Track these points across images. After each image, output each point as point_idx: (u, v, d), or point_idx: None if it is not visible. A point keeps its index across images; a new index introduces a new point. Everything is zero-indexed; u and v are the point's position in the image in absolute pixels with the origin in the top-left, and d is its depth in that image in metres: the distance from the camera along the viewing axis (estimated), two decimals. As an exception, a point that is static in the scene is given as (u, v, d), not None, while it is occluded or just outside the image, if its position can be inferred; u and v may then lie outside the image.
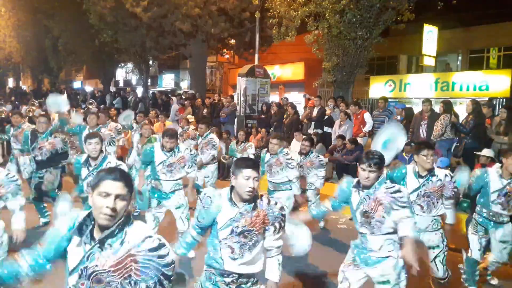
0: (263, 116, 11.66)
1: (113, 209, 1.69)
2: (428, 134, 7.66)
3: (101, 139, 4.28)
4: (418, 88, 12.85)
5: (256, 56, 13.60)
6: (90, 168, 4.26)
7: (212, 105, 13.77)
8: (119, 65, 24.32)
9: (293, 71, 18.07)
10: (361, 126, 8.62)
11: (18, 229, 3.35)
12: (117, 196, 1.71)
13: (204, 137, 7.18)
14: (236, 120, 12.53)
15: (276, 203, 2.55)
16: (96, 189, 1.73)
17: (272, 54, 17.95)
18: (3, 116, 11.04)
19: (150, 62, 20.94)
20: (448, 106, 7.53)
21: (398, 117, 8.53)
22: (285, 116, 10.56)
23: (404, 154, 7.48)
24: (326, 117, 9.65)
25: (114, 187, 1.72)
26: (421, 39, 15.11)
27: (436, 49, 15.51)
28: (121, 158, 9.82)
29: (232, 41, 18.18)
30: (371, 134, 8.71)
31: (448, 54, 18.54)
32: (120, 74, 28.61)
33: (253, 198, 2.51)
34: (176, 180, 4.92)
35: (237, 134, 11.73)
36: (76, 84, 31.82)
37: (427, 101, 7.99)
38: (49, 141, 5.90)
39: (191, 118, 11.74)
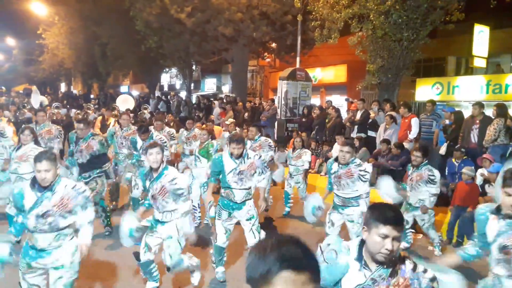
0: (304, 120, 11.56)
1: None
2: (479, 139, 7.27)
3: (162, 149, 4.00)
4: (468, 91, 12.28)
5: (298, 59, 13.53)
6: (151, 179, 3.99)
7: (253, 108, 13.84)
8: (164, 70, 24.99)
9: (335, 73, 17.81)
10: (408, 131, 8.31)
11: (83, 243, 3.23)
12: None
13: (256, 140, 7.14)
14: (276, 123, 12.50)
15: (425, 271, 1.91)
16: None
17: (313, 57, 17.78)
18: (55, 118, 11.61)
19: (193, 67, 21.38)
20: (502, 110, 7.11)
21: (447, 121, 8.15)
22: (327, 119, 10.41)
23: (454, 160, 7.15)
24: (370, 120, 9.41)
25: None
26: (471, 40, 14.42)
27: (487, 50, 14.77)
28: (172, 164, 10.11)
29: (274, 45, 18.20)
30: (418, 139, 8.40)
31: (500, 55, 17.59)
32: (165, 79, 29.38)
33: (392, 261, 1.89)
34: (247, 189, 4.61)
35: (276, 137, 11.75)
36: (123, 89, 33.00)
37: (477, 104, 7.59)
38: (87, 142, 5.88)
39: (231, 121, 11.84)
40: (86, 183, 5.64)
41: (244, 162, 4.51)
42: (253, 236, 4.58)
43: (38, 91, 16.03)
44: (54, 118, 11.93)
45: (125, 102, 14.73)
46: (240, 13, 14.26)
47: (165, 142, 6.57)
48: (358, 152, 8.77)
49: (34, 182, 3.05)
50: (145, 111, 14.78)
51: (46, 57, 30.82)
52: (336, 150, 9.05)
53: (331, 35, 10.68)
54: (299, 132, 10.81)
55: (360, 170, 4.83)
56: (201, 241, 5.30)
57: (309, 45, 15.39)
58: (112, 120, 10.09)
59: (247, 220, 4.58)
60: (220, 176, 4.59)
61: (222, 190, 4.61)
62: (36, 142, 5.65)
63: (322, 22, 10.90)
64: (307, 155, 7.51)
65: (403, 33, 9.84)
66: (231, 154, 4.50)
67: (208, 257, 5.02)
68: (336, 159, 4.93)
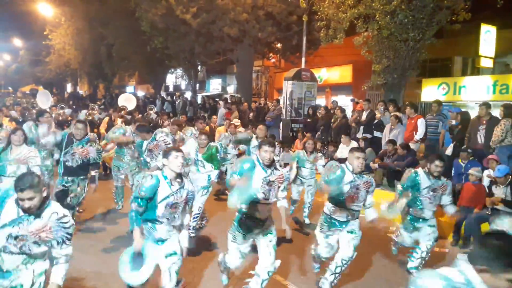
0: (309, 120, 11.55)
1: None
2: (486, 140, 7.22)
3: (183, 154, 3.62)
4: (474, 91, 12.20)
5: (303, 59, 13.52)
6: (174, 188, 3.50)
7: (258, 109, 13.84)
8: (169, 71, 25.06)
9: (341, 74, 17.76)
10: (414, 131, 8.27)
11: (54, 283, 2.87)
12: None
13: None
14: (281, 124, 12.50)
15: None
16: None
17: (319, 57, 17.75)
18: (60, 118, 11.63)
19: (199, 68, 21.42)
20: (509, 110, 7.06)
21: (453, 122, 8.11)
22: (333, 120, 10.39)
23: (460, 161, 7.12)
24: (376, 121, 9.38)
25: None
26: (477, 40, 14.33)
27: (494, 50, 14.67)
28: None
29: (279, 45, 18.19)
30: (424, 140, 8.36)
31: (508, 55, 17.46)
32: (170, 79, 29.47)
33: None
34: (271, 204, 4.01)
35: (281, 137, 11.73)
36: (129, 89, 33.12)
37: (484, 104, 7.54)
38: (84, 148, 5.50)
39: (237, 122, 11.84)
40: (67, 186, 5.47)
41: (274, 173, 3.94)
42: (269, 256, 4.03)
43: (48, 92, 16.03)
44: (60, 118, 11.92)
45: (127, 101, 14.75)
46: (246, 13, 14.26)
47: (169, 143, 6.30)
48: (363, 152, 8.75)
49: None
50: (151, 112, 14.82)
51: (52, 57, 31.02)
52: (342, 150, 9.04)
53: (336, 35, 10.67)
54: (305, 132, 10.80)
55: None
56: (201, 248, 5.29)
57: (314, 45, 15.37)
58: (119, 121, 10.08)
59: (265, 235, 4.09)
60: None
61: (244, 205, 3.98)
62: (26, 143, 5.25)
63: (328, 22, 10.89)
64: (322, 159, 7.30)
65: (409, 33, 9.80)
66: (260, 160, 3.91)
67: (207, 262, 4.96)
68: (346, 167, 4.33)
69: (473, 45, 14.68)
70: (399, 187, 4.95)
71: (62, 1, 25.29)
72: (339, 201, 4.26)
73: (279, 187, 3.96)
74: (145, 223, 3.50)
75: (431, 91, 13.01)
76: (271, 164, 3.91)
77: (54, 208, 2.84)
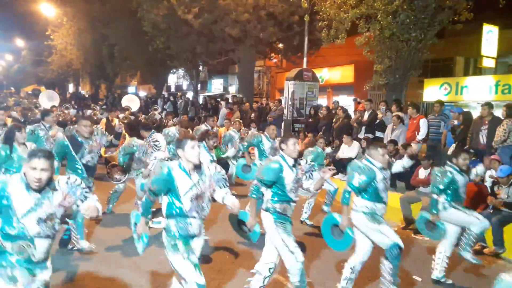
0: (310, 120, 11.55)
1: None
2: (488, 140, 7.21)
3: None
4: (476, 91, 12.15)
5: (305, 59, 13.52)
6: (194, 179, 3.29)
7: (260, 109, 13.85)
8: (171, 71, 25.08)
9: (342, 74, 17.75)
10: (416, 132, 8.26)
11: (90, 204, 2.91)
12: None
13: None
14: (283, 124, 12.50)
15: None
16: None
17: (320, 57, 17.75)
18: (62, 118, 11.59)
19: (200, 68, 21.43)
20: (511, 110, 7.05)
21: (455, 122, 8.10)
22: (334, 120, 10.38)
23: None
24: (378, 121, 9.37)
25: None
26: (479, 40, 14.31)
27: (496, 50, 14.63)
28: None
29: (280, 45, 18.20)
30: (426, 140, 8.34)
31: (510, 55, 17.43)
32: (172, 79, 29.50)
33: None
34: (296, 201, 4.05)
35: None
36: (131, 89, 33.18)
37: (486, 104, 7.53)
38: (95, 139, 5.32)
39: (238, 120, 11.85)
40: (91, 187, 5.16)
41: (298, 169, 3.97)
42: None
43: (53, 92, 15.98)
44: (61, 119, 11.86)
45: (130, 102, 14.78)
46: (247, 13, 14.27)
47: (158, 142, 6.28)
48: (365, 153, 8.74)
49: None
50: (156, 112, 14.79)
51: (54, 58, 31.09)
52: (343, 150, 9.03)
53: (338, 35, 10.65)
54: (306, 132, 10.80)
55: None
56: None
57: (316, 45, 15.37)
58: (116, 121, 10.08)
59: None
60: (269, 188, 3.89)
61: (277, 205, 3.86)
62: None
63: (329, 23, 10.88)
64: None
65: (411, 33, 9.79)
66: (288, 155, 3.89)
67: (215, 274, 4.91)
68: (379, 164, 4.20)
69: (475, 45, 14.66)
70: (434, 191, 4.75)
71: (64, 2, 25.35)
72: (380, 198, 4.19)
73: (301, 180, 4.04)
74: (176, 220, 3.23)
75: (433, 91, 12.98)
76: (295, 161, 3.92)
77: (58, 179, 2.83)
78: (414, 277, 4.98)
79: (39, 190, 2.66)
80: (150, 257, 4.78)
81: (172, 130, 8.34)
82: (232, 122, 10.36)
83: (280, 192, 3.85)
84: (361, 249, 4.22)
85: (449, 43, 14.19)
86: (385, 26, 9.74)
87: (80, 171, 5.04)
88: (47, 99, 14.11)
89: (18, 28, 32.98)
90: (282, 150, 3.96)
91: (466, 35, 14.13)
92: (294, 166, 3.90)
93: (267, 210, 3.90)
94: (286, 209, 3.89)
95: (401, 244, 3.99)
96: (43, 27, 28.97)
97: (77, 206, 2.89)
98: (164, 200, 3.30)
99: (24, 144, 4.88)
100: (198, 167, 3.29)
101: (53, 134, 6.50)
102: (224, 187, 3.45)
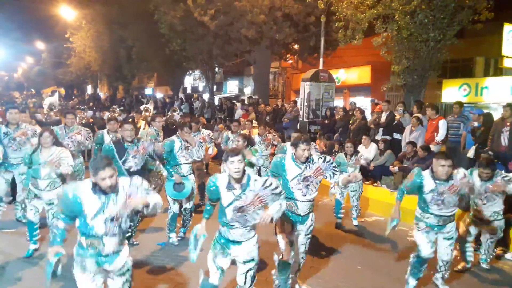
0: (326, 121, 11.47)
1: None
2: (510, 142, 7.04)
3: (244, 156, 3.45)
4: (497, 92, 11.93)
5: (321, 60, 13.44)
6: (236, 192, 3.29)
7: (275, 110, 13.82)
8: (187, 73, 25.27)
9: (359, 75, 17.61)
10: (435, 133, 8.12)
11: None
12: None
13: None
14: (298, 125, 12.45)
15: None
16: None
17: (336, 58, 17.63)
18: (83, 122, 11.72)
19: (216, 69, 21.53)
20: (534, 112, 6.87)
21: (475, 124, 7.94)
22: (351, 121, 10.29)
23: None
24: (395, 122, 9.25)
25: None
26: (500, 40, 14.01)
27: (518, 50, 14.30)
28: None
29: (296, 46, 18.14)
30: (445, 142, 8.20)
31: (532, 55, 17.02)
32: (188, 81, 29.70)
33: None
34: (312, 200, 4.05)
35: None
36: (148, 91, 33.54)
37: (508, 106, 7.34)
38: (142, 145, 5.19)
39: (254, 123, 11.85)
40: None
41: (310, 168, 3.95)
42: (305, 248, 4.15)
43: (59, 95, 16.19)
44: (83, 122, 11.93)
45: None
46: (263, 15, 14.27)
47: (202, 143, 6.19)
48: (383, 155, 8.63)
49: (95, 186, 2.94)
50: (175, 113, 14.83)
51: (73, 60, 31.64)
52: (361, 151, 8.93)
53: (355, 36, 10.56)
54: (323, 134, 10.73)
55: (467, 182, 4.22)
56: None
57: (332, 46, 15.28)
58: (142, 123, 10.02)
59: (306, 235, 4.13)
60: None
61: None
62: (58, 144, 5.07)
63: (346, 23, 10.79)
64: (363, 160, 7.08)
65: (430, 33, 9.63)
66: (295, 158, 3.94)
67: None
68: (432, 173, 4.13)
69: (496, 45, 14.36)
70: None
71: (83, 5, 25.78)
72: (425, 209, 4.26)
73: (319, 181, 3.99)
74: (221, 224, 3.43)
75: (452, 92, 12.78)
76: (306, 160, 3.92)
77: (121, 181, 3.05)
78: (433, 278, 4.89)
79: (106, 193, 2.95)
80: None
81: (227, 133, 8.39)
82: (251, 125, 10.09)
83: (284, 187, 3.78)
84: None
85: (469, 43, 13.93)
86: (403, 27, 9.61)
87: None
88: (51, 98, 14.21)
89: (38, 31, 33.77)
90: (293, 152, 4.00)
91: (486, 35, 13.86)
92: (304, 163, 3.91)
93: None
94: (291, 206, 3.96)
95: (425, 256, 4.20)
96: (63, 30, 29.52)
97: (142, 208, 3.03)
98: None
99: (48, 148, 4.89)
100: (243, 182, 3.30)
101: (76, 133, 6.59)
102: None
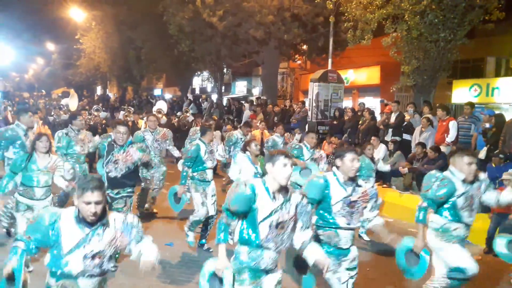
0: (335, 122, 11.43)
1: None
2: (522, 143, 6.95)
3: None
4: (508, 93, 11.77)
5: (329, 60, 13.39)
6: (276, 203, 2.77)
7: (283, 111, 13.80)
8: (196, 73, 25.35)
9: (368, 75, 17.50)
10: (445, 134, 8.05)
11: (148, 260, 2.63)
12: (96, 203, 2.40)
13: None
14: (307, 126, 12.41)
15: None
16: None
17: (345, 58, 17.55)
18: (91, 123, 11.76)
19: (224, 70, 21.58)
20: (547, 112, 6.77)
21: (487, 125, 7.84)
22: (360, 122, 10.23)
23: (493, 165, 6.87)
24: (405, 123, 9.18)
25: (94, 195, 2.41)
26: (511, 40, 13.86)
27: (529, 49, 14.14)
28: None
29: (305, 47, 18.10)
30: (455, 143, 8.12)
31: (544, 54, 16.80)
32: (197, 82, 29.79)
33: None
34: (354, 229, 3.35)
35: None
36: (157, 92, 33.69)
37: (521, 106, 7.26)
38: (126, 150, 4.75)
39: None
40: (112, 202, 4.68)
41: (356, 191, 3.27)
42: None
43: (76, 94, 16.25)
44: (91, 123, 11.95)
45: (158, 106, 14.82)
46: (271, 15, 14.25)
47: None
48: (392, 156, 8.57)
49: (79, 214, 2.47)
50: (188, 114, 14.84)
51: (83, 61, 31.89)
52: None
53: (364, 36, 10.51)
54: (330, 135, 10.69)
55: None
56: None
57: (341, 46, 15.21)
58: (142, 123, 10.09)
59: (349, 270, 3.34)
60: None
61: (320, 231, 3.27)
62: (50, 151, 4.79)
63: (355, 23, 10.74)
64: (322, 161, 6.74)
65: (440, 33, 9.55)
66: (340, 175, 3.25)
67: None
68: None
69: (507, 45, 14.22)
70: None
71: (92, 6, 25.99)
72: (458, 217, 3.55)
73: (364, 207, 3.32)
74: (248, 248, 2.77)
75: (462, 92, 12.65)
76: (353, 179, 3.27)
77: (112, 215, 2.64)
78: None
79: (91, 225, 2.47)
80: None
81: (236, 133, 8.29)
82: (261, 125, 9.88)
83: (325, 214, 3.23)
84: (438, 270, 3.69)
85: (480, 43, 13.81)
86: (413, 27, 9.55)
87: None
88: (74, 102, 14.31)
89: (49, 33, 34.02)
90: (337, 167, 3.30)
91: (497, 35, 13.73)
92: (349, 183, 3.26)
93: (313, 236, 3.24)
94: (331, 237, 3.23)
95: (471, 271, 3.50)
96: (73, 31, 29.76)
97: (129, 249, 2.63)
98: (237, 223, 2.83)
99: (47, 153, 4.67)
100: (285, 191, 2.79)
101: (83, 138, 6.54)
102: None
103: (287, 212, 2.75)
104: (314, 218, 3.26)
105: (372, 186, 3.58)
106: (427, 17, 9.44)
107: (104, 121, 13.21)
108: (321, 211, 3.26)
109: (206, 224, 5.56)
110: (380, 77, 16.72)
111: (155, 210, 7.26)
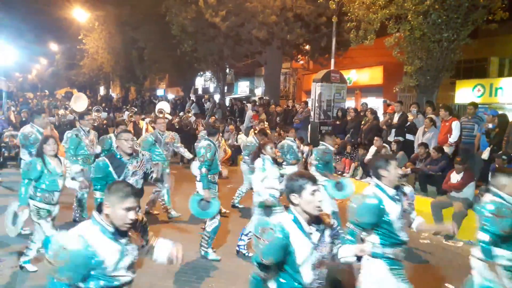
0: (338, 122, 11.42)
1: None
2: (526, 144, 6.92)
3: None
4: (512, 93, 11.73)
5: (332, 61, 13.37)
6: (314, 238, 2.40)
7: (286, 111, 13.79)
8: (198, 74, 25.40)
9: (371, 75, 17.47)
10: (448, 134, 8.02)
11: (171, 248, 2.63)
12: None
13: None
14: (309, 126, 12.40)
15: None
16: None
17: (348, 59, 17.53)
18: (95, 124, 11.73)
19: (227, 70, 21.59)
20: (551, 113, 6.74)
21: (490, 125, 7.82)
22: (363, 122, 10.22)
23: (496, 165, 6.84)
24: (408, 123, 9.16)
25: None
26: (515, 39, 13.81)
27: (533, 49, 14.09)
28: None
29: (307, 47, 18.09)
30: (458, 143, 8.09)
31: (548, 54, 16.72)
32: (199, 82, 29.83)
33: None
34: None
35: (310, 140, 11.61)
36: (159, 92, 33.77)
37: (524, 107, 7.23)
38: (141, 159, 4.53)
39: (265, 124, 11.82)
40: None
41: (401, 198, 3.09)
42: None
43: (85, 96, 16.14)
44: (95, 124, 11.87)
45: (77, 100, 14.52)
46: (274, 15, 14.25)
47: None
48: (395, 156, 8.55)
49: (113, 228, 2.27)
50: (189, 115, 14.85)
51: (86, 61, 31.99)
52: (373, 152, 8.87)
53: (367, 36, 10.50)
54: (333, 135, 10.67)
55: None
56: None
57: (344, 46, 15.19)
58: (143, 124, 9.95)
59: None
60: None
61: (388, 250, 3.04)
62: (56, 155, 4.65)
63: (358, 23, 10.73)
64: None
65: (443, 33, 9.52)
66: (385, 186, 3.03)
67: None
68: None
69: (511, 45, 14.16)
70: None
71: (95, 6, 26.06)
72: None
73: (410, 212, 3.18)
74: None
75: (466, 93, 12.60)
76: (397, 187, 3.06)
77: None
78: (446, 284, 4.83)
79: (125, 235, 2.30)
80: None
81: (251, 139, 8.05)
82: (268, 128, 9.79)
83: (388, 232, 3.00)
84: None
85: (483, 43, 13.77)
86: (416, 27, 9.52)
87: None
88: (76, 102, 14.26)
89: (52, 33, 34.12)
90: (380, 176, 3.04)
91: (500, 35, 13.67)
92: (397, 196, 3.03)
93: (375, 256, 3.03)
94: (397, 254, 3.06)
95: None
96: (76, 31, 29.85)
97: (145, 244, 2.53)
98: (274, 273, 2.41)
99: (56, 156, 4.57)
100: (317, 221, 2.40)
101: (92, 138, 6.55)
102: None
103: (324, 246, 2.40)
104: (376, 238, 3.05)
105: (411, 190, 3.23)
106: (430, 17, 9.41)
107: (105, 122, 13.19)
108: (382, 230, 3.02)
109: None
110: (383, 77, 16.70)
111: (155, 212, 7.26)
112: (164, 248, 2.58)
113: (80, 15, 26.72)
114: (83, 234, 2.19)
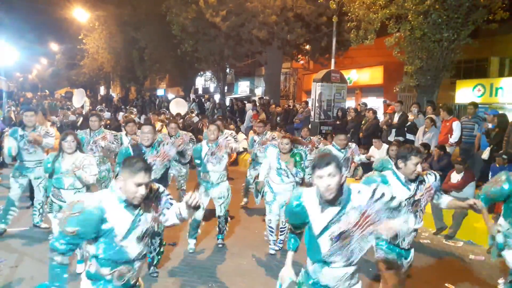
0: (338, 122, 11.42)
1: None
2: (526, 144, 6.91)
3: (340, 167, 2.64)
4: (512, 93, 11.72)
5: (333, 60, 13.38)
6: (333, 212, 2.42)
7: (286, 111, 13.81)
8: (199, 74, 25.40)
9: (371, 75, 17.48)
10: (449, 134, 8.02)
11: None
12: None
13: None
14: (310, 126, 12.40)
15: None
16: None
17: (348, 59, 17.54)
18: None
19: (227, 70, 21.60)
20: (551, 112, 6.74)
21: (490, 125, 7.82)
22: (363, 121, 10.22)
23: (497, 165, 6.83)
24: (409, 123, 9.16)
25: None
26: (516, 39, 13.81)
27: (533, 49, 14.08)
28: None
29: (308, 47, 18.10)
30: (459, 143, 8.09)
31: (548, 54, 16.71)
32: (200, 82, 29.84)
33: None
34: (417, 230, 3.36)
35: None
36: (160, 92, 33.76)
37: (524, 106, 7.23)
38: (162, 149, 4.55)
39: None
40: None
41: (419, 188, 3.20)
42: None
43: (84, 91, 16.06)
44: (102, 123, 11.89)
45: (178, 105, 14.67)
46: (275, 15, 14.26)
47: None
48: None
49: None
50: (193, 115, 14.82)
51: (86, 61, 31.98)
52: (373, 153, 8.86)
53: (367, 36, 10.50)
54: (334, 134, 10.66)
55: None
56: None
57: (344, 46, 15.21)
58: (158, 125, 9.71)
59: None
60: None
61: None
62: (80, 150, 4.66)
63: (358, 23, 10.74)
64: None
65: (443, 33, 9.53)
66: (401, 175, 3.15)
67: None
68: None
69: (511, 45, 14.14)
70: None
71: (96, 6, 26.06)
72: None
73: (426, 202, 3.23)
74: (311, 261, 2.54)
75: (466, 92, 12.61)
76: (417, 179, 3.15)
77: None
78: (446, 284, 4.83)
79: (137, 206, 2.40)
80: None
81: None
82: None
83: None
84: None
85: (483, 43, 13.76)
86: (416, 27, 9.52)
87: None
88: (80, 98, 14.21)
89: (52, 33, 34.14)
90: (398, 168, 3.19)
91: (501, 35, 13.68)
92: (413, 181, 3.14)
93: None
94: (394, 238, 3.13)
95: None
96: (76, 31, 29.85)
97: (164, 215, 2.55)
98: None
99: (74, 153, 4.51)
100: (333, 201, 2.38)
101: (102, 138, 6.27)
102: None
103: (348, 220, 2.36)
104: None
105: (438, 179, 3.22)
106: (431, 17, 9.41)
107: (108, 122, 13.20)
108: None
109: (219, 224, 5.65)
110: (383, 77, 16.71)
111: None
112: (181, 204, 2.56)
113: (80, 15, 26.72)
114: (101, 199, 2.34)
